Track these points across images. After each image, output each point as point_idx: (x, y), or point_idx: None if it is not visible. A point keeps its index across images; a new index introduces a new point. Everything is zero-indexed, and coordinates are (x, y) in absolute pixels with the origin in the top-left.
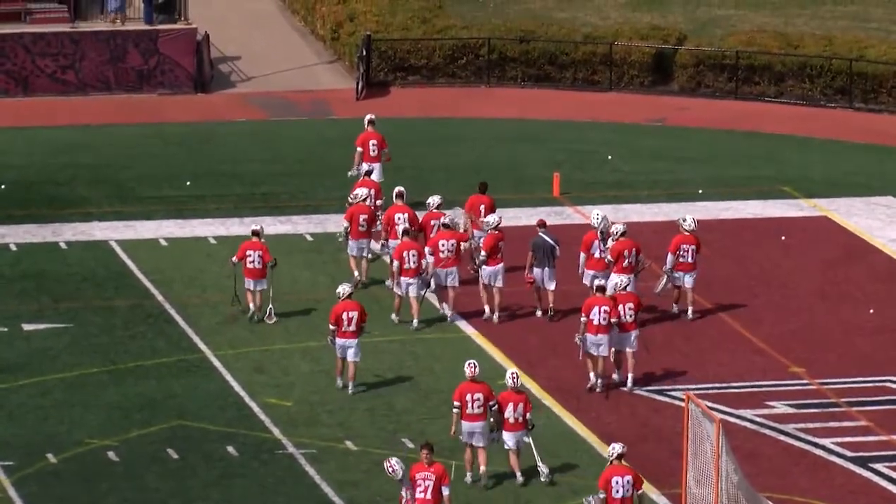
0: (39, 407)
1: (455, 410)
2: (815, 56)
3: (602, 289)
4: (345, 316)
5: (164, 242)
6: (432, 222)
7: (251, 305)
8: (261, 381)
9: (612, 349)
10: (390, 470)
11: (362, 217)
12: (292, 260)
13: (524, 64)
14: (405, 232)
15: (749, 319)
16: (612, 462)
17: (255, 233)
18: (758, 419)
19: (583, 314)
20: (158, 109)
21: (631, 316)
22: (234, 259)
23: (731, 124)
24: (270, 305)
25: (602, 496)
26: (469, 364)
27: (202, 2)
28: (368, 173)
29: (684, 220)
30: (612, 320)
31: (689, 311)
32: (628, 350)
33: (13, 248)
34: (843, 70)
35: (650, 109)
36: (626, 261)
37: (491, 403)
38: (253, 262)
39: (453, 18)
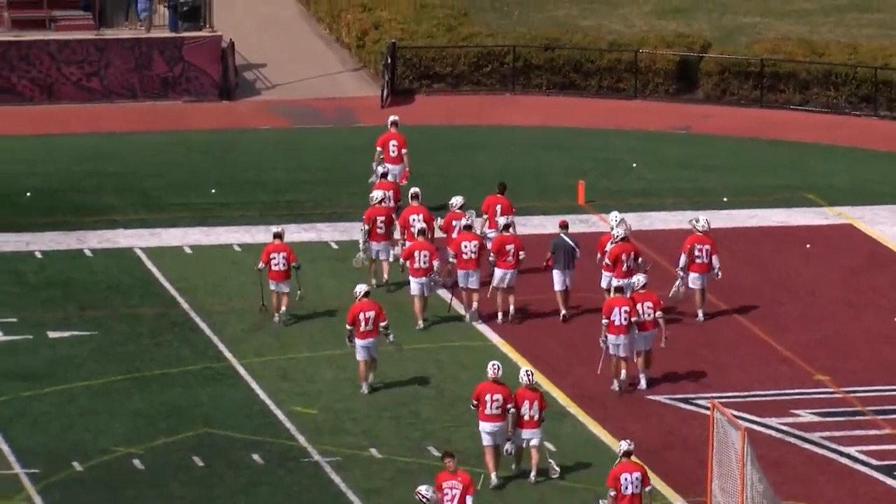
0: (65, 415)
1: (472, 408)
2: (841, 64)
3: (620, 289)
4: (361, 316)
5: (189, 250)
6: (454, 223)
7: (276, 313)
8: (286, 388)
9: (634, 350)
10: (423, 500)
11: (380, 219)
12: (317, 268)
13: (549, 71)
14: (421, 232)
15: (774, 327)
16: (620, 459)
17: (277, 235)
18: (783, 427)
19: (604, 316)
20: (183, 117)
21: (650, 314)
22: (260, 265)
23: (756, 132)
24: (300, 290)
25: (612, 494)
26: (492, 365)
27: (227, 9)
28: (384, 175)
29: (697, 221)
30: (633, 320)
31: (700, 315)
32: (646, 349)
33: (38, 255)
34: (869, 78)
35: (675, 117)
36: (625, 265)
37: (509, 406)
38: (277, 264)
39: (478, 26)
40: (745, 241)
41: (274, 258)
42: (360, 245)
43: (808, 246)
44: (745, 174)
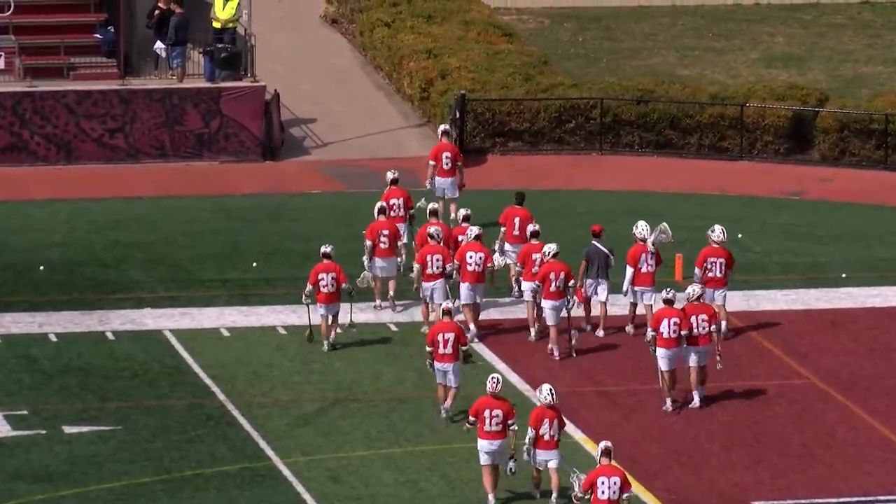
0: None
1: (469, 426)
2: None
3: (670, 301)
4: (440, 338)
5: (226, 332)
6: (460, 238)
7: (324, 340)
8: (337, 492)
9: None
10: None
11: (383, 233)
12: (374, 353)
13: (642, 128)
14: (432, 236)
15: None
16: (599, 460)
17: (326, 255)
18: None
19: (651, 327)
20: (221, 179)
21: (704, 328)
22: (308, 287)
23: (879, 198)
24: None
25: (586, 497)
26: (492, 378)
27: (271, 56)
28: (394, 182)
29: (713, 232)
30: (683, 332)
31: (723, 327)
32: (701, 364)
33: (53, 338)
34: None
35: (787, 181)
36: (554, 284)
37: (510, 422)
38: (326, 285)
39: (561, 76)
40: (867, 323)
41: (322, 279)
42: (365, 264)
43: None
44: (866, 246)
